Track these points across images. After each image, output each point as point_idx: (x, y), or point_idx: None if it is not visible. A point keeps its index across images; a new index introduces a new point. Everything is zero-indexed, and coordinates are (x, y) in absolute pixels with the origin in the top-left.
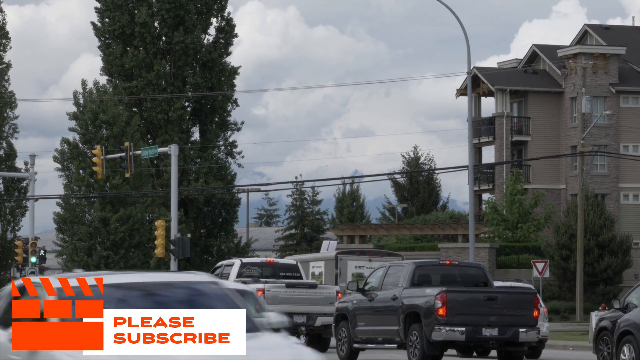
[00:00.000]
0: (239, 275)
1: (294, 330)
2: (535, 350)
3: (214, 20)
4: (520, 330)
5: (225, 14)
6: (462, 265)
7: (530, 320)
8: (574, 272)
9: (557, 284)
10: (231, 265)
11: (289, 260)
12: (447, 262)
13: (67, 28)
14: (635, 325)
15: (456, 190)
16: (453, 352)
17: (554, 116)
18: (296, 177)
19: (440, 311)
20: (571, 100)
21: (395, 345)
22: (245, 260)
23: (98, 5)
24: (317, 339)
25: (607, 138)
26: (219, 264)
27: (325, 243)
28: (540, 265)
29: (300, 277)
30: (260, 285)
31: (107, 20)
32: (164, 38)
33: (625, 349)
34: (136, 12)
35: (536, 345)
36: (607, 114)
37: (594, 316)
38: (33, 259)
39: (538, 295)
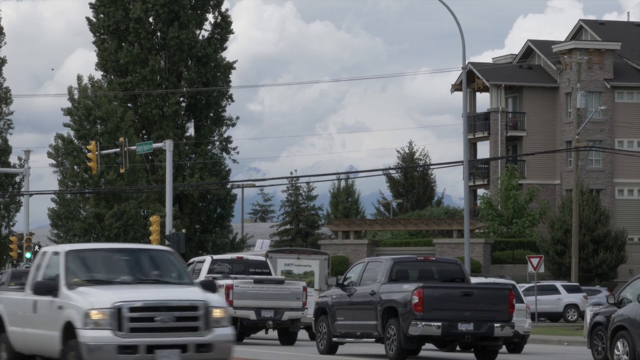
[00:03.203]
0: (210, 271)
1: (262, 324)
2: (518, 346)
3: (210, 15)
4: (495, 325)
5: (223, 9)
6: (439, 261)
7: (505, 316)
8: (569, 268)
9: (552, 279)
10: (202, 261)
11: (259, 257)
12: (425, 258)
13: (63, 24)
14: (629, 320)
15: (451, 185)
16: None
17: (549, 111)
18: (291, 173)
19: (417, 306)
20: (566, 95)
21: (374, 339)
22: (216, 257)
23: (92, 0)
24: (284, 333)
25: (602, 133)
26: (191, 260)
27: (259, 242)
28: (535, 261)
29: (270, 274)
30: (229, 281)
31: (101, 15)
32: (158, 33)
33: (619, 344)
34: (131, 7)
35: (518, 341)
36: (602, 110)
37: (589, 311)
38: (28, 255)
39: (517, 291)
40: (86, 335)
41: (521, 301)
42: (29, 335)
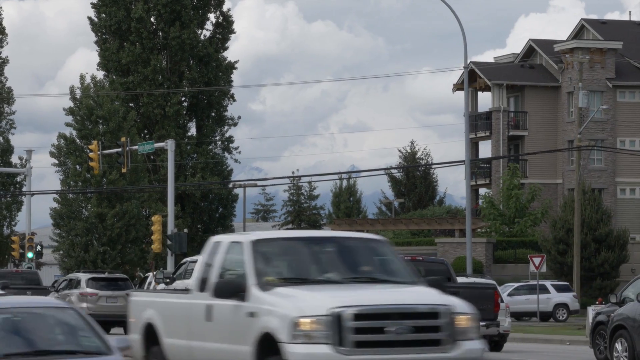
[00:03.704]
0: None
1: None
2: (498, 344)
3: (211, 15)
4: (481, 324)
5: (224, 9)
6: (426, 261)
7: (490, 315)
8: (571, 267)
9: (554, 278)
10: (195, 261)
11: None
12: (412, 258)
13: (65, 23)
14: (629, 319)
15: (453, 185)
16: None
17: (550, 111)
18: (293, 172)
19: None
20: (568, 94)
21: None
22: None
23: (94, 0)
24: None
25: (603, 132)
26: (184, 260)
27: None
28: (537, 260)
29: None
30: None
31: (103, 15)
32: (160, 33)
33: (618, 342)
34: (132, 7)
35: (498, 340)
36: (603, 109)
37: (591, 311)
38: (30, 255)
39: (499, 291)
40: (296, 351)
41: (501, 300)
42: (198, 350)
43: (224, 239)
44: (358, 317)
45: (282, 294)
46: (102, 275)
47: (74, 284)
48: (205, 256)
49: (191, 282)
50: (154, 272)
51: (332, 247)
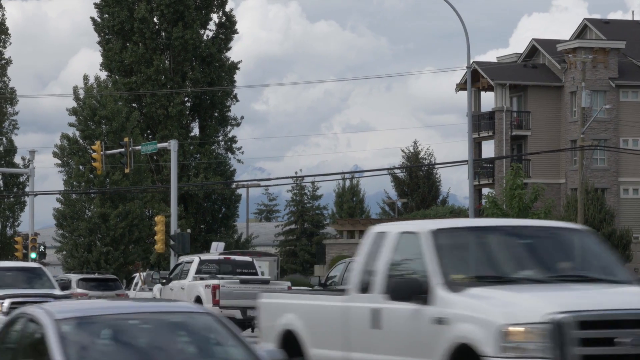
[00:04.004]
0: (198, 271)
1: (247, 323)
2: None
3: (214, 15)
4: None
5: (227, 9)
6: None
7: None
8: None
9: None
10: (191, 262)
11: (245, 258)
12: None
13: (68, 24)
14: None
15: (456, 185)
16: None
17: (553, 110)
18: (296, 172)
19: None
20: (571, 94)
21: None
22: (203, 257)
23: (97, 1)
24: None
25: (606, 132)
26: (180, 260)
27: (214, 244)
28: None
29: (256, 274)
30: (216, 281)
31: (106, 15)
32: (163, 33)
33: None
34: (135, 7)
35: None
36: (606, 108)
37: None
38: (33, 255)
39: None
40: None
41: None
42: None
43: (390, 229)
44: (584, 324)
45: (479, 296)
46: (93, 276)
47: (64, 284)
48: (365, 250)
49: (187, 282)
50: (140, 273)
51: (527, 238)
